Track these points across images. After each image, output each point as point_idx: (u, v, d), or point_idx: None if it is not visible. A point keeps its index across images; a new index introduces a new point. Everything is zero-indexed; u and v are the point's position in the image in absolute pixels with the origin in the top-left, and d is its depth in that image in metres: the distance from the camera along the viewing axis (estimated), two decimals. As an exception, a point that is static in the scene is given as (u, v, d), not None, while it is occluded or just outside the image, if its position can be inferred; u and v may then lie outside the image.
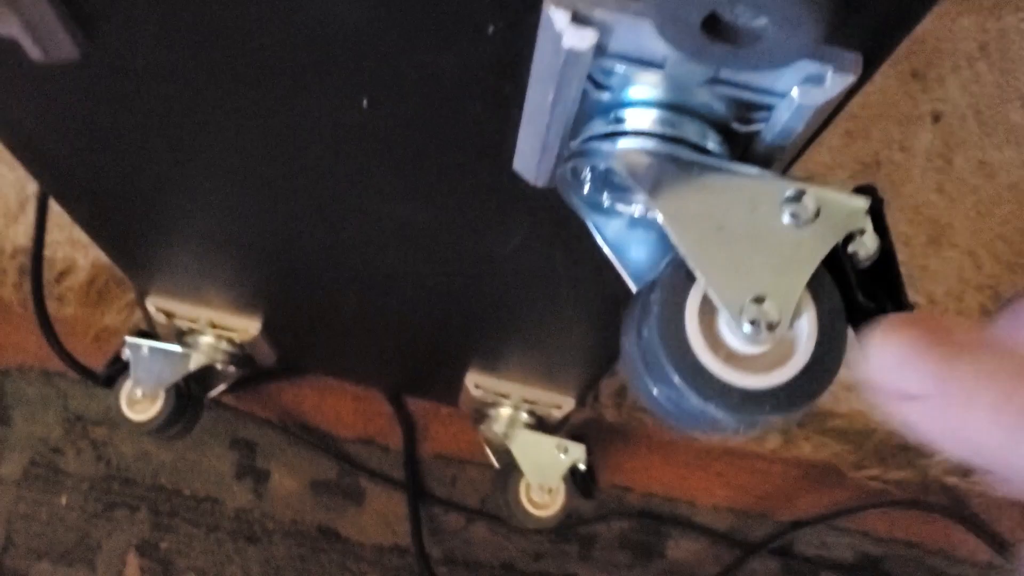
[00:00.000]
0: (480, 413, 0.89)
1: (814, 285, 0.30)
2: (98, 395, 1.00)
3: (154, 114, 0.47)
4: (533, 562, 0.97)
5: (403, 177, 0.46)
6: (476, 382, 0.84)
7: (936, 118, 1.08)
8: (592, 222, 0.37)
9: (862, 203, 0.31)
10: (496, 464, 0.92)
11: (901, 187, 1.08)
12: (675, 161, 0.31)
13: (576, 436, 0.87)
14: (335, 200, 0.51)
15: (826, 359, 0.30)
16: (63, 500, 0.97)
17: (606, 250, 0.36)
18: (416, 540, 0.93)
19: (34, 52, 0.39)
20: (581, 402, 0.83)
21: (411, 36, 0.34)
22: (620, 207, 0.37)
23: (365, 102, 0.39)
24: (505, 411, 0.86)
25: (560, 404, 0.83)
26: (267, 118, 0.44)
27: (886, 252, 0.31)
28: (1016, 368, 0.25)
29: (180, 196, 0.58)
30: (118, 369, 0.89)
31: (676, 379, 0.30)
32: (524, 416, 0.86)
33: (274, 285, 0.74)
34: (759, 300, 0.30)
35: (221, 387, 0.92)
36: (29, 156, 0.57)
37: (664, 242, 0.35)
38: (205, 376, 0.91)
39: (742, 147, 0.34)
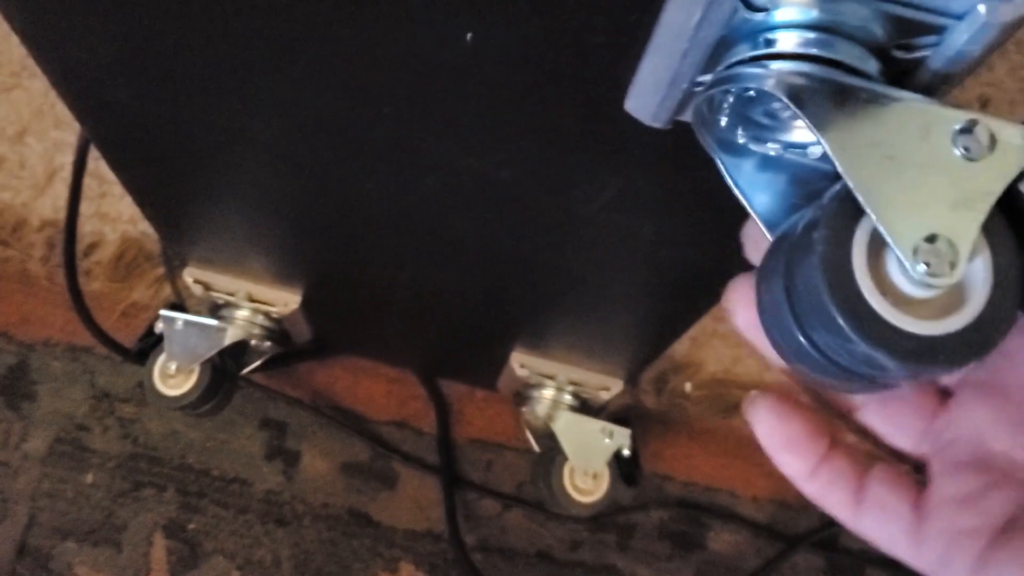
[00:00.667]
0: (522, 395, 0.86)
1: (988, 225, 0.28)
2: (126, 371, 0.98)
3: (227, 49, 0.44)
4: (570, 551, 0.94)
5: (496, 125, 0.44)
6: (522, 362, 0.81)
7: (984, 103, 1.06)
8: (723, 162, 0.34)
9: None
10: (537, 448, 0.89)
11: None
12: (836, 85, 0.29)
13: (619, 420, 0.85)
14: (412, 155, 0.49)
15: (1001, 307, 0.28)
16: (89, 478, 0.94)
17: (737, 192, 0.34)
18: (451, 525, 0.91)
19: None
20: (631, 383, 0.81)
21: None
22: (755, 146, 0.34)
23: (469, 36, 0.37)
24: (548, 393, 0.84)
25: (608, 386, 0.81)
26: (353, 55, 0.41)
27: None
28: None
29: (239, 149, 0.56)
30: (150, 343, 0.87)
31: (843, 323, 0.27)
32: (568, 398, 0.84)
33: (323, 255, 0.72)
34: (932, 239, 0.27)
35: (255, 364, 0.90)
36: (85, 101, 0.54)
37: (798, 185, 0.34)
38: (239, 352, 0.88)
39: (895, 76, 0.31)
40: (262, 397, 0.96)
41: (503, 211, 0.53)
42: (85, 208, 1.02)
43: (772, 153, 0.34)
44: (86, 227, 1.03)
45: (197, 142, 0.56)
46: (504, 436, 0.97)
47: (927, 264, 0.27)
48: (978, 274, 0.28)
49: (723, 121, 0.34)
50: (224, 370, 0.86)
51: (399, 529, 0.94)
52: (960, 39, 0.28)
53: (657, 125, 0.36)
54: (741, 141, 0.34)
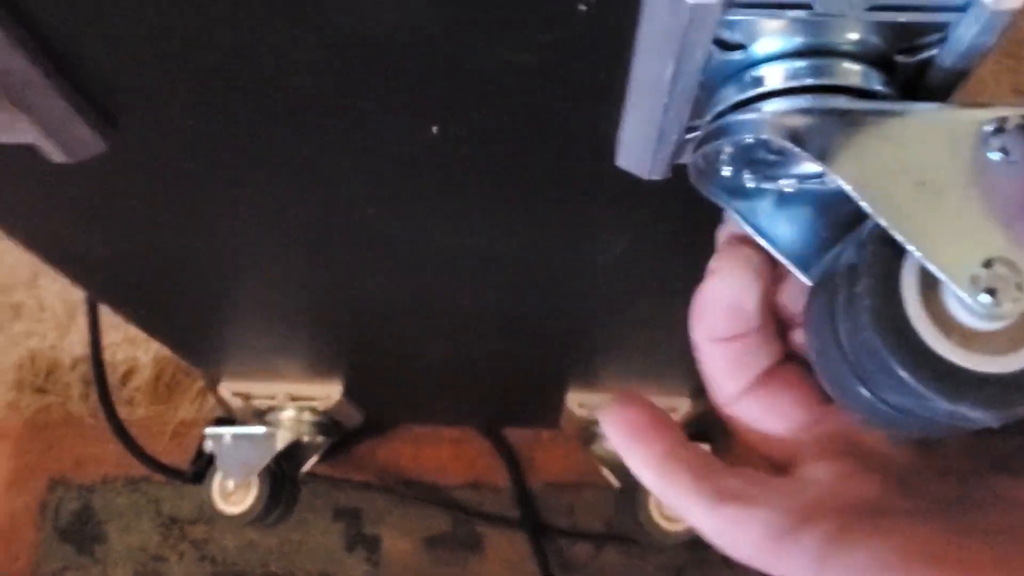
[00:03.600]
0: (588, 432, 0.83)
1: None
2: (188, 492, 0.96)
3: (195, 192, 0.41)
4: (674, 577, 0.90)
5: (483, 203, 0.40)
6: (579, 401, 0.78)
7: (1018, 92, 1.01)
8: (736, 209, 0.31)
9: None
10: (616, 483, 0.86)
11: (978, 96, 1.01)
12: (839, 114, 0.25)
13: (694, 435, 0.81)
14: (409, 246, 0.46)
15: None
16: (176, 608, 0.92)
17: (758, 239, 0.30)
18: (547, 578, 0.87)
19: (56, 155, 0.34)
20: (701, 396, 0.77)
21: (483, 34, 0.29)
22: (767, 185, 0.31)
23: (435, 129, 0.34)
24: (615, 426, 0.80)
25: (675, 407, 0.77)
26: (321, 168, 0.38)
27: None
28: None
29: (236, 273, 0.53)
30: (204, 463, 0.85)
31: (913, 383, 0.24)
32: (637, 427, 0.80)
33: (351, 345, 0.69)
34: (989, 264, 0.23)
35: (313, 459, 0.87)
36: (71, 265, 0.53)
37: (824, 214, 0.30)
38: (294, 452, 0.86)
39: (903, 83, 0.27)
40: (329, 488, 0.94)
41: (518, 279, 0.49)
42: (113, 336, 1.01)
43: (788, 189, 0.30)
44: (118, 355, 1.01)
45: (191, 276, 0.53)
46: (580, 474, 0.93)
47: (991, 292, 0.23)
48: None
49: (725, 171, 0.30)
50: (283, 474, 0.84)
51: (496, 592, 0.91)
52: (969, 32, 0.24)
53: (656, 177, 0.32)
54: (750, 185, 0.31)
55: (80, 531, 0.96)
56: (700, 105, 0.28)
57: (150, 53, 0.30)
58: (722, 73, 0.27)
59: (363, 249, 0.47)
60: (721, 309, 0.31)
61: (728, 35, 0.26)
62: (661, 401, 0.77)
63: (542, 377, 0.76)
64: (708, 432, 0.81)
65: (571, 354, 0.68)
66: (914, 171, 0.24)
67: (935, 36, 0.26)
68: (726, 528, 0.28)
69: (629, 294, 0.54)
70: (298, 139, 0.35)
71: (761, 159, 0.30)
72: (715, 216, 0.40)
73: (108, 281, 0.55)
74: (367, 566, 0.92)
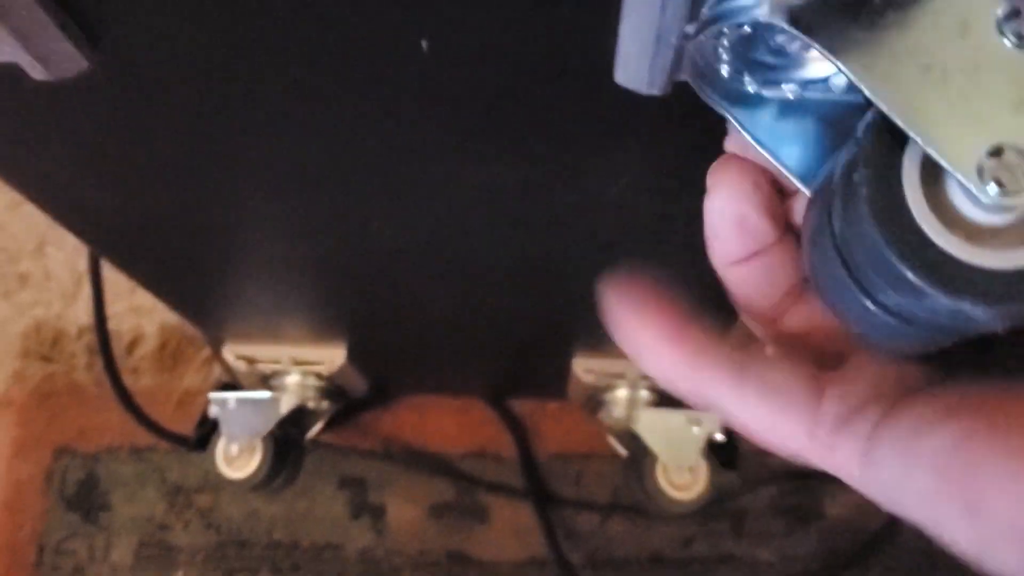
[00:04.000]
0: (595, 400, 0.82)
1: None
2: (194, 461, 0.95)
3: (187, 124, 0.41)
4: (683, 549, 0.89)
5: (481, 129, 0.39)
6: (586, 367, 0.77)
7: None
8: (736, 117, 0.29)
9: None
10: (624, 452, 0.85)
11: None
12: None
13: (703, 404, 0.79)
14: (409, 183, 0.45)
15: None
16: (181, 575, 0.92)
17: (760, 150, 0.29)
18: (553, 549, 0.86)
19: (37, 71, 0.33)
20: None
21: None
22: (768, 92, 0.29)
23: (425, 44, 0.33)
24: (622, 393, 0.79)
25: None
26: (314, 93, 0.37)
27: None
28: None
29: (237, 225, 0.52)
30: (208, 429, 0.84)
31: (912, 276, 0.22)
32: (644, 394, 0.79)
33: (355, 304, 0.68)
34: (998, 152, 0.22)
35: (318, 426, 0.87)
36: (76, 217, 0.52)
37: (829, 126, 0.29)
38: (299, 418, 0.85)
39: None
40: (334, 456, 0.93)
41: (521, 218, 0.48)
42: (119, 305, 1.00)
43: (791, 96, 0.29)
44: (124, 324, 1.01)
45: (193, 229, 0.52)
46: (587, 444, 0.92)
47: (998, 182, 0.22)
48: None
49: (725, 71, 0.29)
50: (287, 440, 0.83)
51: (502, 562, 0.90)
52: None
53: (655, 92, 0.31)
54: (751, 90, 0.29)
55: (86, 500, 0.96)
56: (699, 3, 0.27)
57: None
58: None
59: (362, 185, 0.46)
60: (727, 226, 0.29)
61: None
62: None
63: (548, 340, 0.75)
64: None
65: (576, 313, 0.67)
66: (920, 55, 0.23)
67: None
68: (774, 423, 0.27)
69: (635, 247, 0.53)
70: (287, 58, 0.34)
71: (761, 60, 0.28)
72: (721, 148, 0.38)
73: (107, 231, 0.54)
74: (372, 534, 0.91)
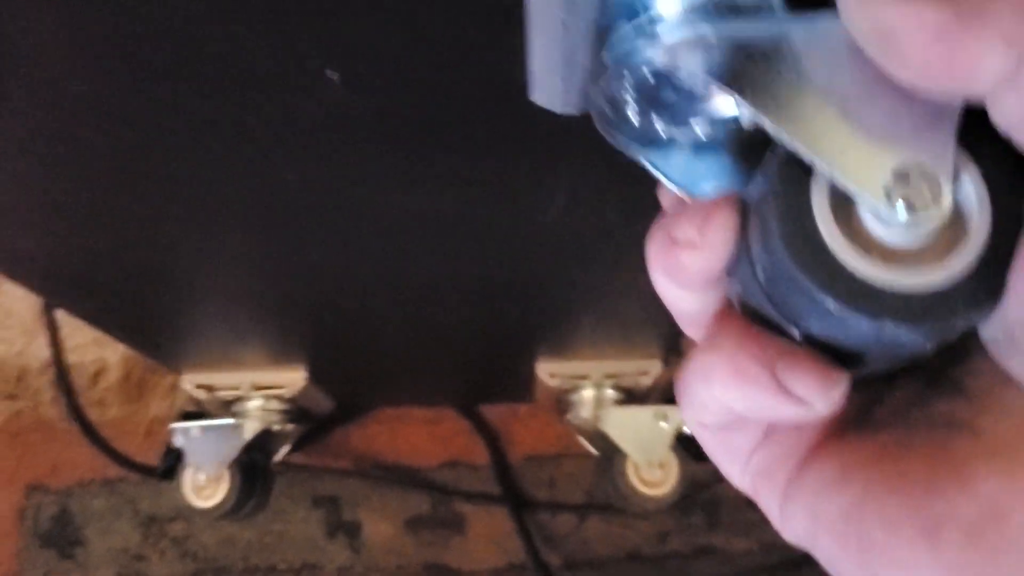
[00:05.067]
0: (563, 402, 0.81)
1: (965, 136, 0.22)
2: (166, 490, 0.94)
3: (107, 170, 0.40)
4: (660, 544, 0.89)
5: (405, 157, 0.39)
6: (550, 371, 0.76)
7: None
8: (650, 161, 0.29)
9: None
10: (595, 452, 0.84)
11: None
12: (739, 32, 0.24)
13: (670, 398, 0.79)
14: (342, 211, 0.44)
15: (1010, 219, 0.22)
16: (159, 607, 0.91)
17: (677, 191, 0.28)
18: (531, 554, 0.86)
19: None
20: (674, 355, 0.75)
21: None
22: (678, 131, 0.28)
23: (335, 75, 0.32)
24: (588, 393, 0.78)
25: (646, 370, 0.76)
26: (227, 134, 0.36)
27: None
28: None
29: (176, 261, 0.52)
30: (174, 458, 0.83)
31: (832, 305, 0.22)
32: (610, 392, 0.78)
33: (311, 327, 0.67)
34: (902, 173, 0.22)
35: (285, 448, 0.86)
36: (10, 264, 0.51)
37: (742, 158, 0.28)
38: (265, 442, 0.84)
39: None
40: (305, 476, 0.93)
41: (459, 241, 0.48)
42: (80, 337, 0.99)
43: (701, 135, 0.28)
44: (87, 356, 0.99)
45: (132, 266, 0.52)
46: (559, 445, 0.92)
47: (907, 203, 0.22)
48: (969, 192, 0.22)
49: (634, 117, 0.28)
50: (255, 465, 0.83)
51: (481, 570, 0.89)
52: None
53: (571, 111, 0.31)
54: (661, 132, 0.29)
55: (60, 536, 0.94)
56: (602, 42, 0.27)
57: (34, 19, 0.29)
58: (615, 6, 0.25)
59: (294, 216, 0.45)
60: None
61: None
62: (632, 365, 0.76)
63: (509, 347, 0.74)
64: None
65: (534, 320, 0.67)
66: (816, 85, 0.23)
67: None
68: (714, 453, 0.28)
69: (582, 261, 0.53)
70: (197, 96, 0.34)
71: (668, 101, 0.28)
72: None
73: (43, 276, 0.54)
74: (349, 552, 0.91)
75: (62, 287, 0.56)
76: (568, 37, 0.27)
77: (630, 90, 0.27)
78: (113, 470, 0.95)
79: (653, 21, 0.25)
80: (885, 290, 0.22)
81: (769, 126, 0.23)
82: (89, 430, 0.84)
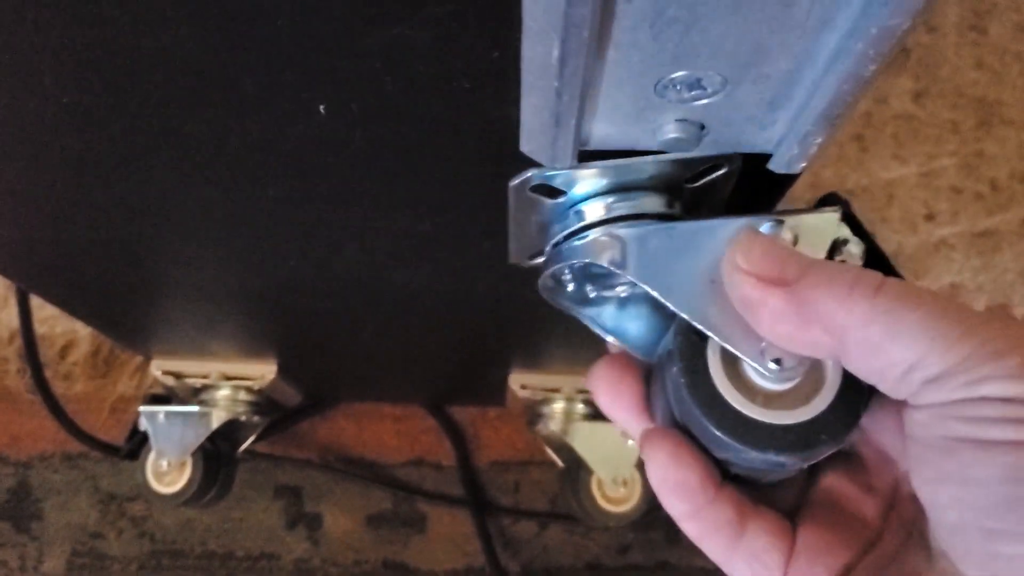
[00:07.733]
0: (532, 412, 0.81)
1: None
2: (127, 469, 0.93)
3: (90, 177, 0.39)
4: (619, 556, 0.90)
5: (387, 186, 0.38)
6: (522, 383, 0.76)
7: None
8: (585, 316, 0.36)
9: (834, 214, 0.31)
10: (560, 463, 0.84)
11: (937, 70, 0.99)
12: (647, 235, 0.31)
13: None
14: (323, 228, 0.44)
15: None
16: (113, 587, 0.90)
17: (607, 337, 0.36)
18: (490, 558, 0.86)
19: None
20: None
21: (366, 8, 0.26)
22: (607, 293, 0.36)
23: (322, 108, 0.32)
24: (559, 406, 0.78)
25: (617, 388, 0.76)
26: (212, 151, 0.36)
27: (871, 248, 0.31)
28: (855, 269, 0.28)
29: (150, 252, 0.51)
30: (139, 440, 0.82)
31: (730, 442, 0.30)
32: (580, 407, 0.79)
33: (281, 324, 0.67)
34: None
35: (250, 439, 0.85)
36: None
37: (660, 310, 0.35)
38: (231, 431, 0.84)
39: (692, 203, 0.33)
40: (269, 466, 0.92)
41: (438, 259, 0.47)
42: (51, 309, 0.97)
43: (624, 295, 0.36)
44: (56, 328, 0.98)
45: (102, 256, 0.51)
46: (526, 452, 0.92)
47: (777, 361, 0.29)
48: None
49: (570, 287, 0.36)
50: (219, 454, 0.82)
51: (438, 571, 0.90)
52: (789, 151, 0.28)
53: (559, 167, 0.31)
54: (592, 295, 0.36)
55: (16, 508, 0.94)
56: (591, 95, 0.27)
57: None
58: (554, 213, 0.33)
59: (274, 229, 0.45)
60: (668, 492, 0.32)
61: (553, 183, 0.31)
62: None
63: (482, 356, 0.74)
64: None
65: (509, 333, 0.67)
66: (706, 272, 0.30)
67: (715, 170, 0.31)
68: (700, 538, 0.32)
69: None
70: (184, 117, 0.33)
71: (597, 273, 0.35)
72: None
73: (11, 259, 0.53)
74: (307, 544, 0.91)
75: (32, 273, 0.55)
76: (561, 102, 0.27)
77: (569, 271, 0.35)
78: (75, 445, 0.94)
79: (580, 218, 0.32)
80: (766, 426, 0.29)
81: (672, 307, 0.30)
82: (53, 403, 0.83)
